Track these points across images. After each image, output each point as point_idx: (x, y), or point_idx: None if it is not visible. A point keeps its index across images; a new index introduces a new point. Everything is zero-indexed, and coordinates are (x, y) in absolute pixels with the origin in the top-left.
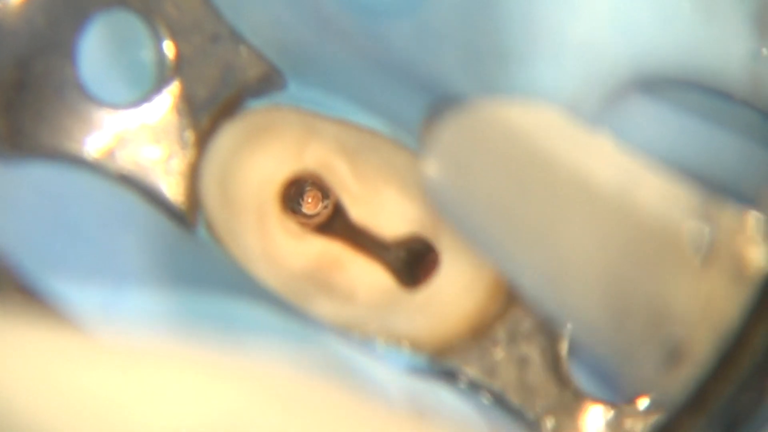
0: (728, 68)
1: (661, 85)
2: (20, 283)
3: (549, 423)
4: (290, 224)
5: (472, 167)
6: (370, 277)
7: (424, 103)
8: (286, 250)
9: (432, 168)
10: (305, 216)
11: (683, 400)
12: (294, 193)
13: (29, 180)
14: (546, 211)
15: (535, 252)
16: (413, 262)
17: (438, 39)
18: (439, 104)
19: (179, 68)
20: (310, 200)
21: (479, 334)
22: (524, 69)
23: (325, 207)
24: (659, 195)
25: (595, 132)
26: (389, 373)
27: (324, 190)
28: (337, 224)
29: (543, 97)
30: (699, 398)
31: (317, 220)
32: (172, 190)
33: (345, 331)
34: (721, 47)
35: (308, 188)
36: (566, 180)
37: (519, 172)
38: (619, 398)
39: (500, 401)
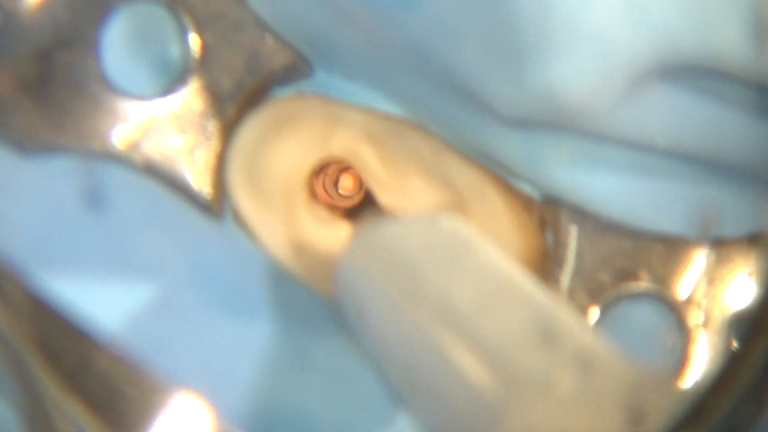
0: (743, 53)
1: (680, 73)
2: (28, 289)
3: None
4: (319, 211)
5: (367, 276)
6: None
7: (446, 92)
8: (315, 236)
9: (343, 266)
10: (340, 197)
11: (683, 413)
12: (331, 174)
13: (53, 174)
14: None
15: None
16: None
17: (452, 32)
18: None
19: (204, 57)
20: (349, 180)
21: None
22: (540, 63)
23: (360, 190)
24: None
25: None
26: None
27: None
28: (365, 210)
29: (561, 91)
30: (698, 412)
31: (347, 204)
32: (199, 180)
33: None
34: (736, 32)
35: (346, 168)
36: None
37: (398, 292)
38: None
39: None
